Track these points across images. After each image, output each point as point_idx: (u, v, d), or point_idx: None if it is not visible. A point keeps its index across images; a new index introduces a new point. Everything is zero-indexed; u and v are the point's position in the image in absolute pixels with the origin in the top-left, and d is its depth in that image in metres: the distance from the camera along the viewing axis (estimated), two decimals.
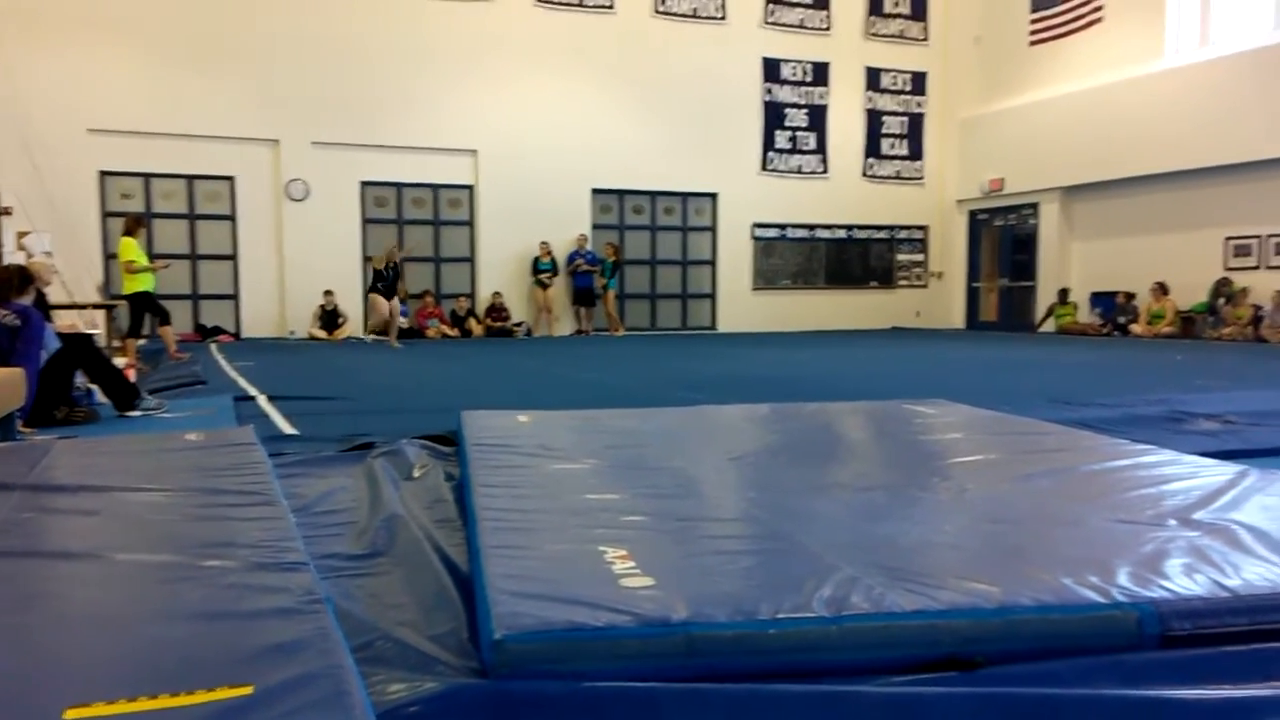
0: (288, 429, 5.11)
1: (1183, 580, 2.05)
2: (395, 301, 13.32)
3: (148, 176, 14.49)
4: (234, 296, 15.00)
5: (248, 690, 1.43)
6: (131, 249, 9.79)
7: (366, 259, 15.57)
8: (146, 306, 9.91)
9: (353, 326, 15.27)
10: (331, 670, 1.50)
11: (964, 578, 2.09)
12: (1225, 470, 3.29)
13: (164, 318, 10.31)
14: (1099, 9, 15.96)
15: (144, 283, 9.81)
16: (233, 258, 14.94)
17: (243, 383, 7.60)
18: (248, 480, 2.97)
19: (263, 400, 6.36)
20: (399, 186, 15.73)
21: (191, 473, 3.17)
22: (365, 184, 15.48)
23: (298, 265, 14.98)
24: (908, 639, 1.83)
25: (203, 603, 1.85)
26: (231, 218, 14.89)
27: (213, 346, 12.62)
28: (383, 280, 13.27)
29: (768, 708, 1.61)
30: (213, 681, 1.46)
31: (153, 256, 11.73)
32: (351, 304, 15.37)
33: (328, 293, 14.95)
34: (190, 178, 14.66)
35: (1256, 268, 14.13)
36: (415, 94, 15.34)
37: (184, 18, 14.21)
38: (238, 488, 2.87)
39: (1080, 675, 1.74)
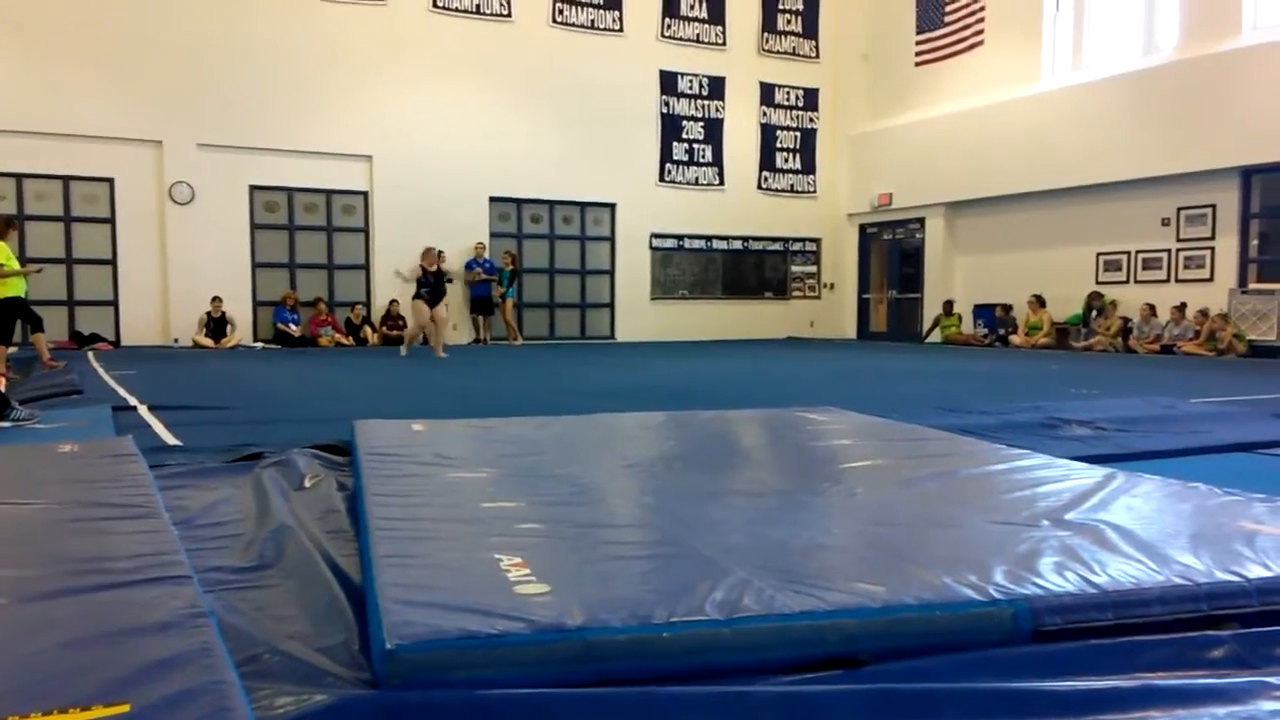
0: (170, 440, 4.93)
1: (1054, 578, 2.15)
2: (441, 308, 12.45)
3: (20, 177, 13.82)
4: (113, 303, 14.41)
5: (124, 709, 1.38)
6: (1, 252, 9.31)
7: (256, 265, 15.17)
8: (17, 313, 9.44)
9: (242, 334, 14.82)
10: (213, 686, 1.46)
11: (851, 578, 2.15)
12: (1094, 473, 3.46)
13: (36, 324, 9.85)
14: (980, 33, 16.63)
15: (14, 288, 9.34)
16: (112, 262, 14.35)
17: (122, 392, 7.30)
18: (126, 492, 2.86)
19: (143, 410, 6.12)
20: (290, 191, 15.35)
21: (66, 485, 3.04)
22: (254, 188, 15.07)
23: (182, 271, 14.48)
24: (797, 639, 1.87)
25: (77, 619, 1.78)
26: (111, 221, 14.31)
27: (90, 354, 12.10)
28: (426, 285, 12.34)
29: (661, 710, 1.62)
30: (87, 700, 1.41)
31: (24, 260, 11.17)
32: (240, 311, 14.92)
33: (215, 299, 14.49)
34: (66, 179, 14.05)
35: (1126, 282, 14.89)
36: (308, 97, 15.01)
37: (62, 11, 13.63)
38: (116, 500, 2.76)
39: (958, 670, 1.81)
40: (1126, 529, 2.60)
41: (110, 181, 14.22)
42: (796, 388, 8.49)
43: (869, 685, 1.73)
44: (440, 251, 12.81)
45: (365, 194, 15.76)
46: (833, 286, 19.83)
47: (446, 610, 1.87)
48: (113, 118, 13.96)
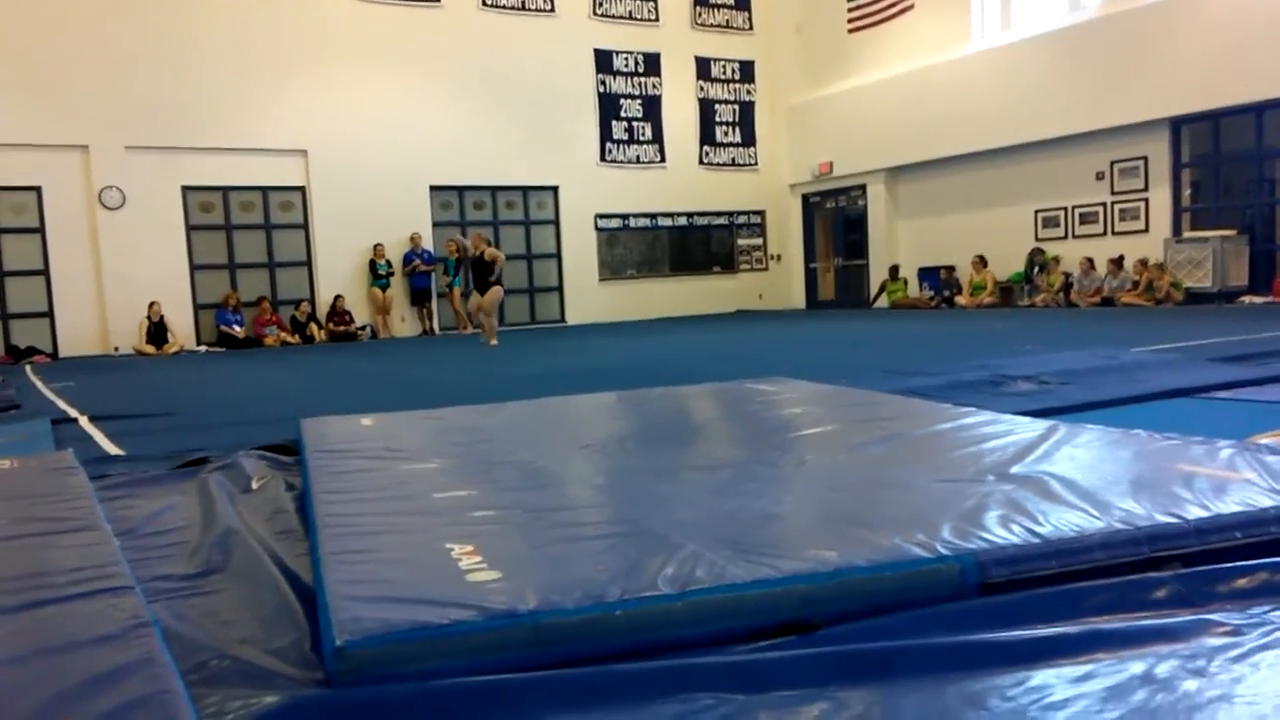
0: (113, 449, 4.83)
1: (1000, 531, 2.19)
2: (494, 291, 12.29)
3: None
4: (48, 314, 14.04)
5: None
6: None
7: (194, 268, 14.88)
8: None
9: (184, 338, 14.54)
10: (158, 695, 1.43)
11: (802, 545, 2.17)
12: (1038, 426, 3.52)
13: None
14: None
15: None
16: (44, 273, 13.98)
17: (62, 404, 7.13)
18: (66, 506, 2.80)
19: (84, 421, 5.98)
20: (225, 190, 15.05)
21: (2, 502, 2.96)
22: (188, 188, 14.74)
23: (118, 277, 14.15)
24: (749, 608, 1.88)
25: (13, 637, 1.73)
26: (40, 230, 13.92)
27: (28, 368, 11.80)
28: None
29: (615, 687, 1.62)
30: (27, 718, 1.37)
31: None
32: (181, 315, 14.63)
33: (153, 304, 14.19)
34: None
35: (1064, 237, 15.14)
36: (237, 93, 14.69)
37: None
38: (54, 514, 2.70)
39: (909, 627, 1.83)
40: (1069, 479, 2.65)
41: (37, 190, 13.83)
42: (747, 360, 8.53)
43: (822, 649, 1.74)
44: (470, 238, 12.92)
45: (303, 189, 15.49)
46: (779, 258, 19.93)
47: (397, 603, 1.85)
48: (35, 124, 13.56)
